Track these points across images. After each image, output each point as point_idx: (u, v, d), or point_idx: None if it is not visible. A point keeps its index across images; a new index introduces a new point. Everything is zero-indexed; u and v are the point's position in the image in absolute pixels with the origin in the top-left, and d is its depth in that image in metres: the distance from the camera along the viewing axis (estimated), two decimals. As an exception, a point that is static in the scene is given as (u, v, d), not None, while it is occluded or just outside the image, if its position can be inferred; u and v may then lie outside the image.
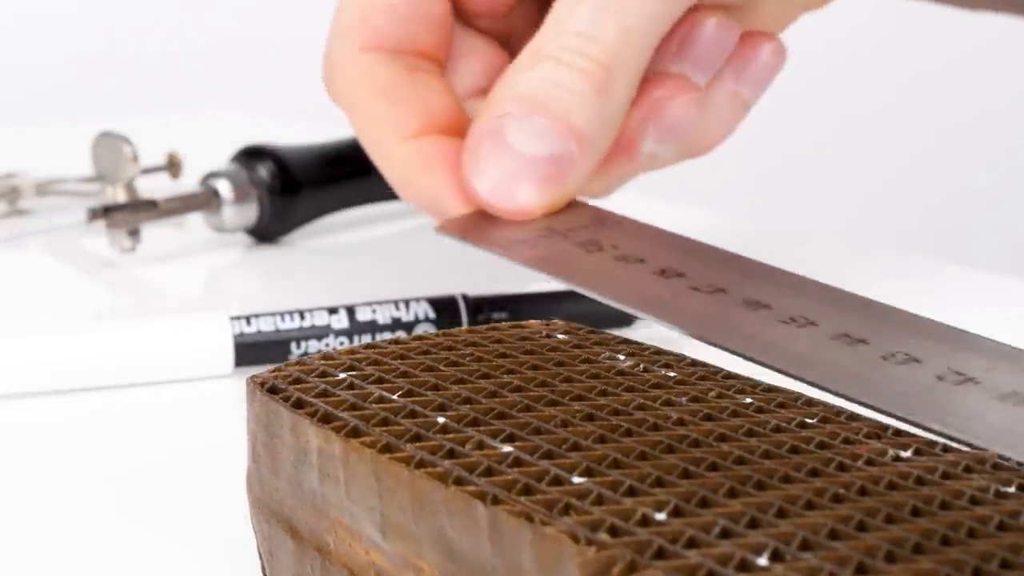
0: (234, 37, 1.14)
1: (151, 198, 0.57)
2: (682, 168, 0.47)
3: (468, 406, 0.27)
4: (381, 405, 0.27)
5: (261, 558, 0.30)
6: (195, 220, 0.62)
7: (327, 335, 0.44)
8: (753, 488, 0.24)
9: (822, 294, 0.34)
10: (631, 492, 0.24)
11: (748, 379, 0.30)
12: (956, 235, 1.38)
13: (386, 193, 0.62)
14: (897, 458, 0.26)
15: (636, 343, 0.32)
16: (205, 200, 0.58)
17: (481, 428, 0.26)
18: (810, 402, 0.28)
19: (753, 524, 0.23)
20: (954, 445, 0.27)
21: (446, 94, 0.44)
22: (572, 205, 0.41)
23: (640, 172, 0.45)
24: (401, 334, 0.45)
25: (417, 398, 0.28)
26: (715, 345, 0.32)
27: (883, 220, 1.38)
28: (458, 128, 0.43)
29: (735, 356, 0.32)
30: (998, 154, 1.41)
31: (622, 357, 0.31)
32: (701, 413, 0.27)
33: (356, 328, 0.45)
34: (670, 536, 0.22)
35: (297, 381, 0.29)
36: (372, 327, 0.45)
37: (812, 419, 0.27)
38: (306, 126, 0.80)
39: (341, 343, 0.44)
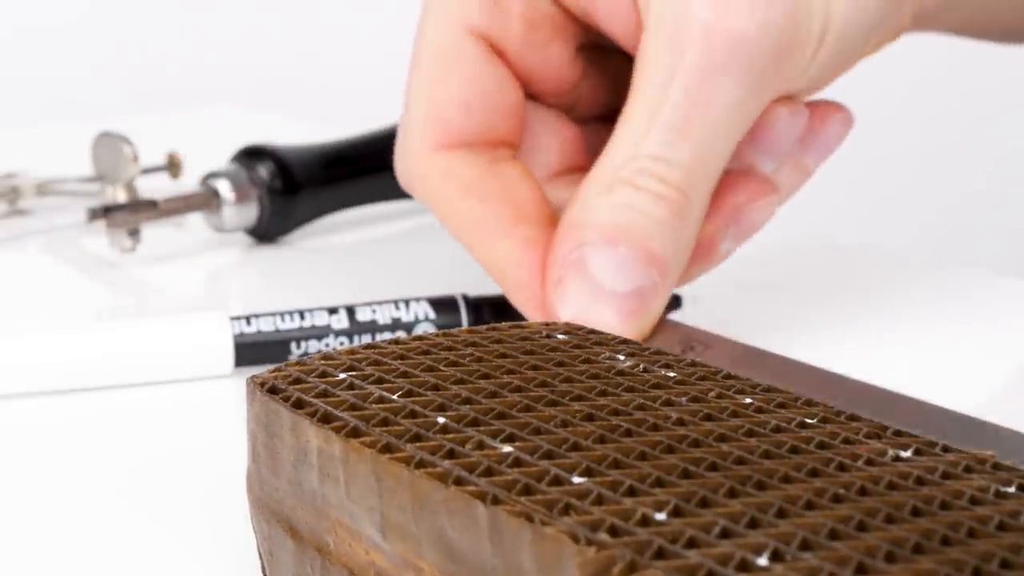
0: (234, 36, 1.14)
1: (151, 198, 0.57)
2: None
3: (468, 406, 0.27)
4: (381, 405, 0.27)
5: (261, 558, 0.30)
6: (195, 220, 0.62)
7: (327, 335, 0.44)
8: (753, 488, 0.24)
9: (923, 417, 0.33)
10: (631, 492, 0.24)
11: (748, 379, 0.30)
12: (958, 237, 1.38)
13: (386, 193, 0.62)
14: (897, 458, 0.26)
15: (636, 343, 0.32)
16: (205, 200, 0.58)
17: (481, 428, 0.26)
18: (810, 402, 0.28)
19: (753, 524, 0.23)
20: (954, 445, 0.27)
21: (528, 181, 0.44)
22: (660, 325, 0.41)
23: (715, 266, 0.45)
24: (401, 334, 0.45)
25: (417, 398, 0.28)
26: None
27: (897, 223, 1.38)
28: (544, 217, 0.43)
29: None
30: (1004, 153, 1.41)
31: (622, 357, 0.31)
32: (701, 413, 0.27)
33: (356, 328, 0.45)
34: (670, 536, 0.22)
35: (297, 381, 0.29)
36: (372, 327, 0.45)
37: (812, 419, 0.27)
38: (306, 125, 0.80)
39: (341, 343, 0.44)
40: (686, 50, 0.39)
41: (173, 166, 0.66)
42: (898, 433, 0.27)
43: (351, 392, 0.28)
